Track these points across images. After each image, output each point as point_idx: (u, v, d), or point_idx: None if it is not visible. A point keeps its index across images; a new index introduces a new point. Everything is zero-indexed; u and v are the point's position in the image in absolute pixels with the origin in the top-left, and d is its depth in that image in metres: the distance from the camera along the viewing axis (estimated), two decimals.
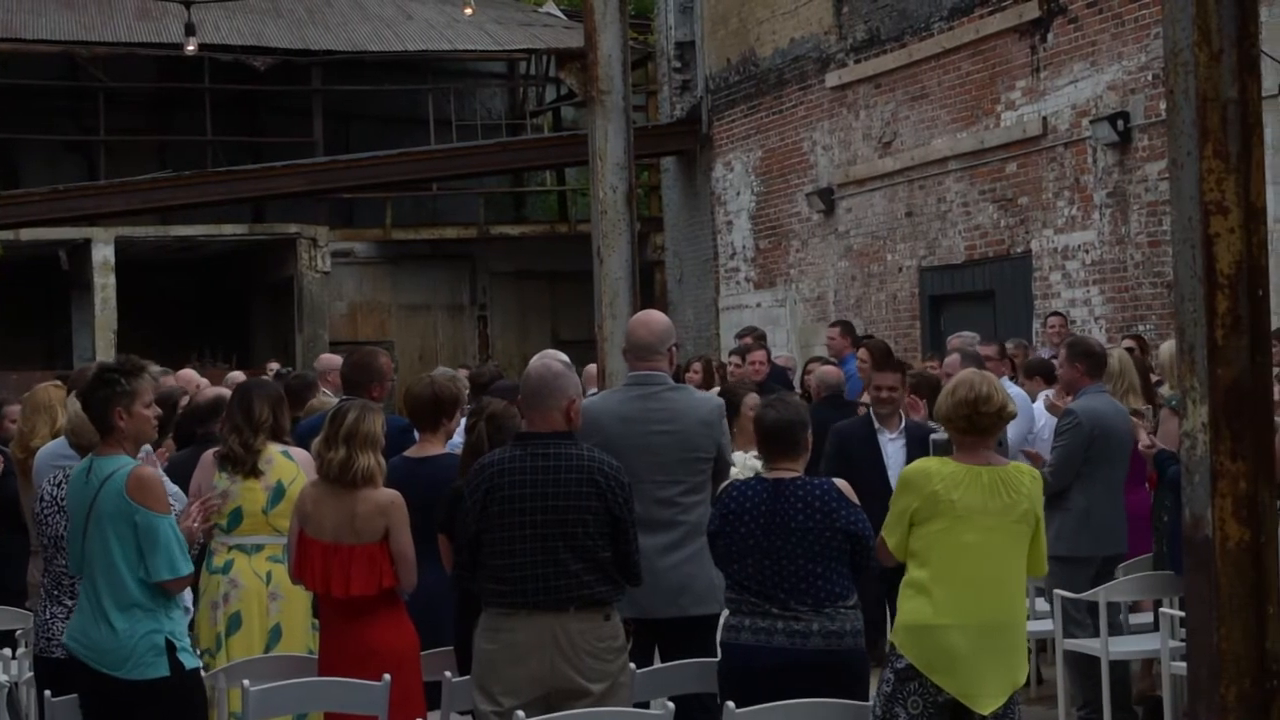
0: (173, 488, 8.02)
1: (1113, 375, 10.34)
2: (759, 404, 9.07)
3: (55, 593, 7.08)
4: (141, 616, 6.27)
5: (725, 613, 6.89)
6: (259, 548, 8.10)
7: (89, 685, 6.33)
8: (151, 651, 6.26)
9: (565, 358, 7.02)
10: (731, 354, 15.67)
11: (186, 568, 6.36)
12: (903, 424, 9.27)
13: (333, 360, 12.55)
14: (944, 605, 6.32)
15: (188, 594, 6.92)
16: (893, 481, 8.63)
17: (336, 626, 7.19)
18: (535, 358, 6.97)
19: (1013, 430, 11.01)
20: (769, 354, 15.31)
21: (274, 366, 19.36)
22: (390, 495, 7.21)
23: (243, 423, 8.12)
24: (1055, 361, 11.92)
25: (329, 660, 7.16)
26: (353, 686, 6.77)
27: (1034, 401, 11.80)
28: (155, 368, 11.28)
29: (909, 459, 8.90)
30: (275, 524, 7.99)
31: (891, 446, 9.19)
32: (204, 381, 12.46)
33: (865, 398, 11.73)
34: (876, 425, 9.12)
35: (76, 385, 8.33)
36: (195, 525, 7.04)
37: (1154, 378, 11.45)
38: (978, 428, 6.42)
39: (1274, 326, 12.19)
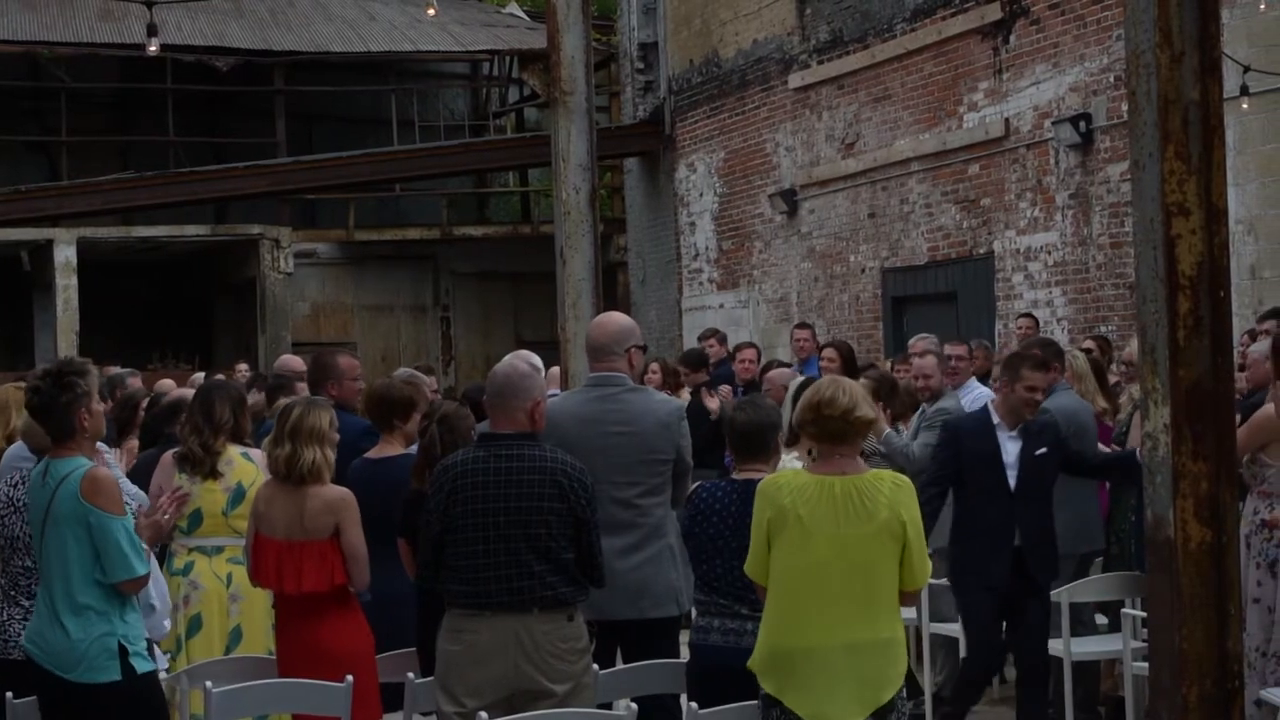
0: (131, 488, 7.98)
1: (1081, 376, 10.42)
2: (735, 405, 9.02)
3: (13, 594, 7.01)
4: (95, 619, 6.21)
5: (694, 613, 6.86)
6: (219, 549, 8.06)
7: (45, 688, 6.29)
8: (104, 655, 6.20)
9: (536, 359, 6.93)
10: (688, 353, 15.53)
11: (143, 568, 6.31)
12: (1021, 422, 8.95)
13: (291, 361, 12.50)
14: (798, 627, 5.93)
15: (151, 593, 6.85)
16: (1011, 481, 8.60)
17: (292, 625, 7.19)
18: (507, 357, 6.91)
19: None
20: (759, 352, 15.30)
21: (243, 368, 19.25)
22: (339, 492, 7.22)
23: (203, 424, 8.08)
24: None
25: (284, 660, 7.16)
26: (315, 688, 6.74)
27: None
28: (121, 369, 11.26)
29: (1024, 456, 8.64)
30: (235, 525, 7.94)
31: (1011, 444, 8.83)
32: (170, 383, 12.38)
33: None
34: (996, 420, 8.80)
35: None
36: (165, 519, 6.99)
37: (1112, 379, 11.49)
38: (826, 433, 6.05)
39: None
